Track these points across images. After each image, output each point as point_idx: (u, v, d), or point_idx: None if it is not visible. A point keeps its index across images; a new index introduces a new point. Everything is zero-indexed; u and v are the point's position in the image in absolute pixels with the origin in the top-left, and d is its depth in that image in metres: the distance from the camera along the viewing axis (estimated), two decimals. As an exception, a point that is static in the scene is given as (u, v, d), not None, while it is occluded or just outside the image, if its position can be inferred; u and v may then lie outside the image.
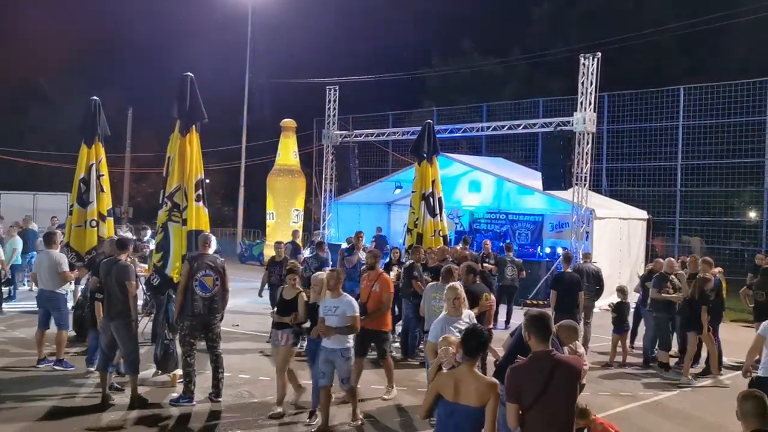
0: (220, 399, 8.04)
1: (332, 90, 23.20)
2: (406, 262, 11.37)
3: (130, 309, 7.78)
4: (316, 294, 7.47)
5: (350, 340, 7.16)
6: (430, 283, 8.89)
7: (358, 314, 7.11)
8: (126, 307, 7.76)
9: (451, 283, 7.01)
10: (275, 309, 7.86)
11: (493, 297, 8.73)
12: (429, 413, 4.81)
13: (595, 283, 11.86)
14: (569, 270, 11.03)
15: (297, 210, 24.06)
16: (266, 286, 11.85)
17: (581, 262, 12.64)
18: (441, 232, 13.49)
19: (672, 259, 11.62)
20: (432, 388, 4.73)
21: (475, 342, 4.67)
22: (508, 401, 4.47)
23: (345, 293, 7.23)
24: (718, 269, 11.67)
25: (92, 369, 8.77)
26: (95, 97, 11.52)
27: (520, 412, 4.46)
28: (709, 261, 11.27)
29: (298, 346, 7.94)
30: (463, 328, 5.97)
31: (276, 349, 7.88)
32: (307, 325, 7.62)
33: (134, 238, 14.70)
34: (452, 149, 23.18)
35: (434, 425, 4.97)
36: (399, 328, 11.62)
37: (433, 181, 13.53)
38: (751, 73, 21.33)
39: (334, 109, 23.02)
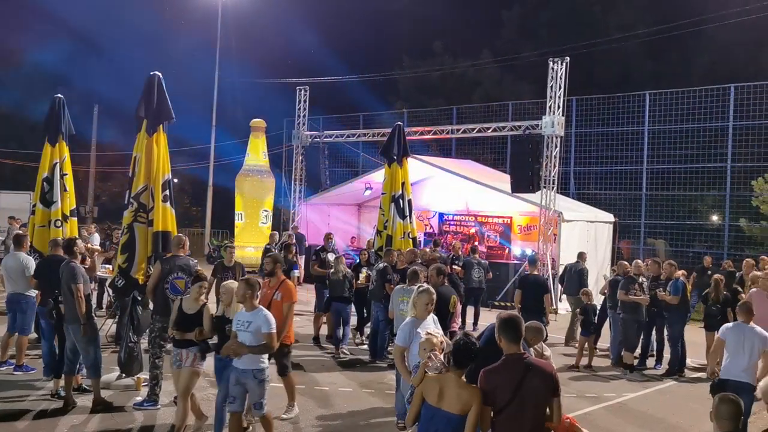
0: (185, 402, 7.94)
1: (302, 90, 23.12)
2: (379, 264, 11.36)
3: (81, 313, 7.63)
4: (226, 305, 6.75)
5: (265, 360, 6.42)
6: (398, 287, 8.85)
7: (275, 331, 6.36)
8: (77, 311, 7.64)
9: (425, 286, 6.90)
10: (173, 324, 6.91)
11: (459, 305, 8.75)
12: (415, 420, 4.77)
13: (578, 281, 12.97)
14: (535, 272, 11.12)
15: (266, 210, 23.90)
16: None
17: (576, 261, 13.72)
18: (410, 234, 13.51)
19: (639, 261, 11.82)
20: (417, 394, 4.73)
21: (467, 356, 4.68)
22: (482, 404, 4.50)
23: (261, 306, 6.49)
24: (681, 272, 11.88)
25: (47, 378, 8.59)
26: (59, 95, 11.30)
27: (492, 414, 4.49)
28: (673, 263, 11.47)
29: (204, 365, 7.01)
30: (432, 332, 5.93)
31: (177, 371, 6.90)
32: (215, 341, 6.81)
33: (101, 239, 14.43)
34: (422, 151, 23.23)
35: None
36: (368, 330, 11.64)
37: (403, 183, 13.53)
38: (714, 80, 21.80)
39: (305, 109, 22.94)
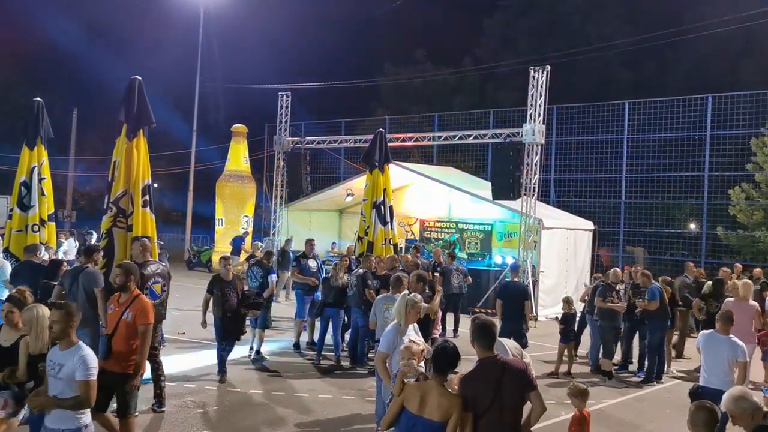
0: (163, 409, 7.87)
1: (284, 96, 23.03)
2: (358, 270, 11.33)
3: (98, 318, 7.64)
4: (32, 338, 5.32)
5: (84, 416, 4.84)
6: (381, 295, 8.82)
7: (92, 378, 4.76)
8: (94, 316, 7.63)
9: (413, 295, 6.89)
10: None
11: (440, 311, 8.78)
12: (391, 425, 4.77)
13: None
14: (516, 280, 11.15)
15: (246, 216, 23.80)
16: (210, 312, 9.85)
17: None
18: (391, 241, 13.53)
19: (617, 269, 11.91)
20: (397, 400, 4.72)
21: (446, 361, 4.69)
22: (464, 411, 4.52)
23: (80, 342, 4.91)
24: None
25: None
26: (38, 99, 11.19)
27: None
28: (647, 274, 11.56)
29: (21, 415, 5.53)
30: (414, 338, 5.94)
31: None
32: (31, 384, 5.36)
33: (76, 244, 14.28)
34: (404, 158, 23.28)
35: None
36: (348, 336, 11.61)
37: (384, 190, 13.55)
38: (692, 90, 22.12)
39: (286, 115, 22.85)
